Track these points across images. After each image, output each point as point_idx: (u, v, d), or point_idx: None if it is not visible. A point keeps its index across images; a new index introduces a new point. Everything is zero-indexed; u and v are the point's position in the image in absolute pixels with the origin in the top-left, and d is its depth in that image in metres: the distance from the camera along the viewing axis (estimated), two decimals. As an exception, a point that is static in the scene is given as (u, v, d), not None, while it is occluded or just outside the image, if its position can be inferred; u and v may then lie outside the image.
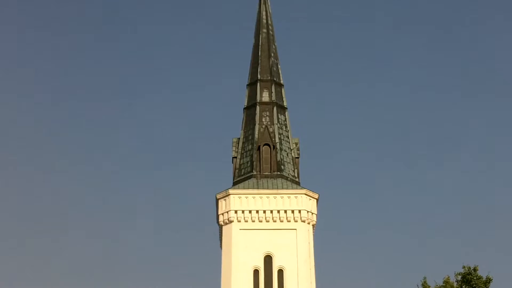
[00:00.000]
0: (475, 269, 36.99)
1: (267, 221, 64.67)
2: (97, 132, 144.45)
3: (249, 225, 64.54)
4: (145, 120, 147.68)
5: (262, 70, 68.62)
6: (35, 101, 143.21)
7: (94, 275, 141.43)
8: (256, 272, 63.53)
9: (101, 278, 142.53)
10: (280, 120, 67.44)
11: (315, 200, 65.15)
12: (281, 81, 69.38)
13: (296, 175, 66.68)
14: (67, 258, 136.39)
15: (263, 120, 67.04)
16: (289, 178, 65.70)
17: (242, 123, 68.18)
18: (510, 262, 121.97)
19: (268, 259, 63.84)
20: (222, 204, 64.93)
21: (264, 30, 70.30)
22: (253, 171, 65.65)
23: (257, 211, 64.57)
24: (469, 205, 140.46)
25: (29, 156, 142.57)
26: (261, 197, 64.46)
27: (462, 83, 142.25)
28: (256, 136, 66.43)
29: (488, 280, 36.62)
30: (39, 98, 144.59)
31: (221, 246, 66.11)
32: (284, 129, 67.58)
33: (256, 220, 64.41)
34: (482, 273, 36.79)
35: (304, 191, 64.45)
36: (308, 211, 64.67)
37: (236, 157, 67.35)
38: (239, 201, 64.47)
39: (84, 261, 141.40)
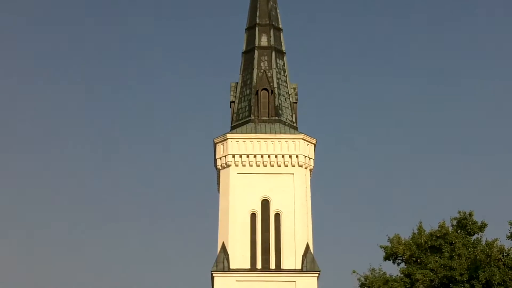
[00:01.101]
0: (470, 214, 37.41)
1: (265, 166, 65.06)
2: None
3: (247, 169, 64.91)
4: (145, 69, 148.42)
5: (261, 14, 68.08)
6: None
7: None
8: (253, 215, 64.07)
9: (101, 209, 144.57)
10: (278, 64, 67.23)
11: (313, 145, 65.38)
12: (280, 26, 68.90)
13: (294, 120, 66.80)
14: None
15: (262, 64, 66.84)
16: (287, 123, 65.83)
17: (241, 67, 67.97)
18: (505, 208, 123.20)
19: (265, 203, 64.35)
20: (220, 148, 65.16)
21: (263, -26, 69.65)
22: (251, 115, 65.74)
23: (255, 156, 64.86)
24: (466, 154, 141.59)
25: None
26: (258, 142, 64.69)
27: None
28: (254, 80, 66.31)
29: (483, 225, 37.07)
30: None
31: (218, 190, 66.61)
32: (283, 74, 67.41)
33: (254, 164, 64.76)
34: (478, 218, 37.25)
35: (301, 136, 64.64)
36: (305, 156, 64.98)
37: (234, 102, 67.32)
38: (237, 146, 64.70)
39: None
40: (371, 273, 37.15)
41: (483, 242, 36.04)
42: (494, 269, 32.93)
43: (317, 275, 62.62)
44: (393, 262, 37.92)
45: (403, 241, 37.25)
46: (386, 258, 37.89)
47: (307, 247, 63.40)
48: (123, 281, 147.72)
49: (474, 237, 37.06)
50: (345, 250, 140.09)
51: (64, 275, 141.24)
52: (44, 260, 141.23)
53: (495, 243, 35.24)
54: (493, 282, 32.81)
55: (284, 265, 63.29)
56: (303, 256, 62.93)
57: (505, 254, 34.58)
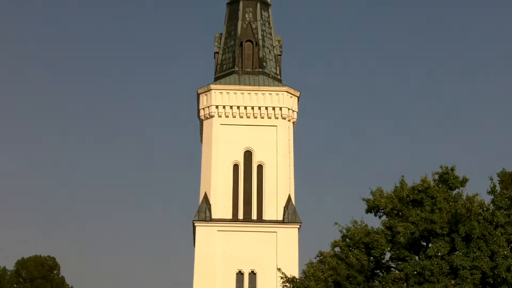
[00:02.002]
0: (452, 169, 37.73)
1: (248, 117, 65.31)
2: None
3: (230, 120, 65.14)
4: (128, 18, 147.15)
5: (247, -35, 67.57)
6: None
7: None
8: (235, 166, 64.54)
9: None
10: (263, 16, 66.98)
11: (296, 97, 65.59)
12: (265, -23, 68.39)
13: (278, 72, 66.86)
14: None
15: (246, 16, 66.56)
16: (270, 75, 65.91)
17: (225, 18, 67.65)
18: (486, 163, 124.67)
19: (248, 154, 64.78)
20: (203, 99, 65.21)
21: None
22: (235, 67, 65.69)
23: (238, 107, 65.07)
24: (449, 110, 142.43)
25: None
26: (242, 93, 64.79)
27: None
28: (239, 32, 66.09)
29: (465, 180, 37.46)
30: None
31: (201, 141, 66.87)
32: (267, 26, 67.20)
33: (237, 115, 64.98)
34: (459, 173, 37.64)
35: (285, 88, 64.78)
36: (289, 109, 65.25)
37: (218, 53, 67.17)
38: (221, 97, 64.78)
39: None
40: (353, 225, 37.48)
41: (464, 197, 36.50)
42: (474, 223, 33.42)
43: (298, 226, 63.38)
44: (375, 215, 38.29)
45: (385, 195, 37.60)
46: (368, 210, 38.21)
47: (289, 198, 64.04)
48: (105, 230, 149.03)
49: (455, 192, 37.43)
50: (328, 203, 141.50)
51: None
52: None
53: (476, 198, 35.69)
54: (472, 236, 33.34)
55: (265, 216, 63.96)
56: (284, 207, 63.58)
57: (485, 208, 35.03)
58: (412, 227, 35.24)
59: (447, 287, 31.30)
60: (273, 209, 63.56)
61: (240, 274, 62.40)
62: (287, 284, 37.06)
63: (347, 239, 37.59)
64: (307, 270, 35.72)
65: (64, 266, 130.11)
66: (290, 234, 63.03)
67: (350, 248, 36.18)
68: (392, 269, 36.32)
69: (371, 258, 36.20)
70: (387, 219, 37.36)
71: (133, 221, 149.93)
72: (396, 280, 32.67)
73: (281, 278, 37.75)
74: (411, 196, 37.15)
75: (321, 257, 43.37)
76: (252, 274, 62.48)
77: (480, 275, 32.45)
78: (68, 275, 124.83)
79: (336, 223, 38.42)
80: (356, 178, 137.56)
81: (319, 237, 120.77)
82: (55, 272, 77.38)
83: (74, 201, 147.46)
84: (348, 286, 34.11)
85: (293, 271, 59.35)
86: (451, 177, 37.86)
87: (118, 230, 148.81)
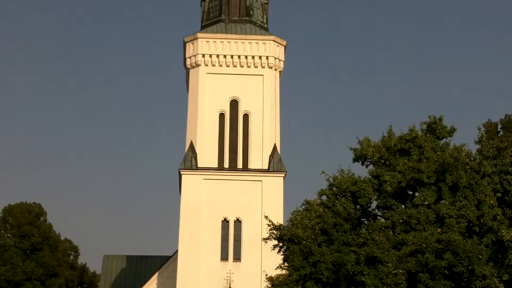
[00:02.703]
0: (440, 119, 37.77)
1: (234, 66, 64.92)
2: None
3: (216, 69, 64.74)
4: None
5: None
6: None
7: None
8: (221, 115, 64.39)
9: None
10: (250, -36, 66.21)
11: (283, 47, 65.17)
12: None
13: (264, 21, 66.34)
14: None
15: (233, -37, 65.75)
16: (257, 24, 65.38)
17: (212, -35, 66.79)
18: (474, 114, 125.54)
19: (234, 104, 64.59)
20: (189, 47, 64.67)
21: None
22: (222, 15, 65.06)
23: (225, 56, 64.60)
24: (437, 60, 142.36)
25: None
26: (229, 42, 64.30)
27: None
28: (226, -21, 65.39)
29: (452, 130, 37.53)
30: None
31: (187, 90, 66.56)
32: (254, -27, 66.46)
33: (224, 64, 64.56)
34: (447, 123, 37.68)
35: (272, 37, 64.31)
36: (275, 58, 64.87)
37: (204, 1, 66.48)
38: (207, 45, 64.26)
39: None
40: (340, 174, 37.54)
41: (451, 147, 36.63)
42: (461, 172, 33.56)
43: (283, 175, 63.60)
44: (362, 164, 38.34)
45: (372, 144, 37.65)
46: (355, 160, 38.25)
47: (275, 148, 64.12)
48: (92, 177, 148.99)
49: (442, 142, 37.51)
50: (314, 152, 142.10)
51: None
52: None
53: (463, 147, 35.86)
54: (459, 185, 33.56)
55: (251, 165, 64.10)
56: (270, 156, 63.71)
57: (472, 158, 35.20)
58: (399, 176, 35.36)
59: (433, 235, 31.49)
60: (259, 158, 63.67)
61: (225, 221, 62.75)
62: (274, 231, 37.22)
63: (334, 188, 37.66)
64: (294, 218, 35.84)
65: (51, 213, 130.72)
66: (275, 183, 63.27)
67: (337, 197, 36.29)
68: (378, 217, 36.56)
69: (358, 206, 36.37)
70: (374, 168, 37.41)
71: (119, 169, 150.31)
72: (383, 228, 32.87)
73: (268, 225, 37.89)
74: (399, 146, 37.19)
75: (307, 205, 43.58)
76: (238, 222, 62.84)
77: (466, 224, 32.72)
78: (55, 222, 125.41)
79: (323, 172, 38.44)
80: (343, 127, 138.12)
81: (305, 186, 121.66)
82: (41, 218, 77.37)
83: (60, 148, 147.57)
84: (335, 234, 34.29)
85: (278, 220, 59.39)
86: (439, 127, 37.89)
87: (105, 178, 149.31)
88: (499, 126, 61.89)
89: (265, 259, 60.83)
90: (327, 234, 34.55)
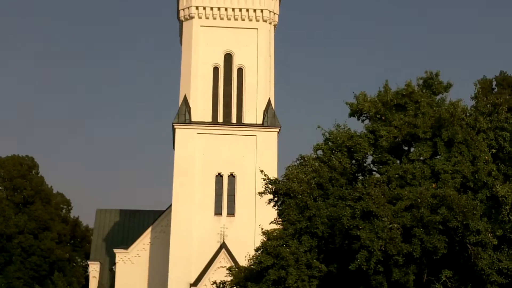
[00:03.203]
0: (436, 74, 37.55)
1: (228, 19, 64.26)
2: None
3: (210, 22, 64.08)
4: None
5: None
6: None
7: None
8: (215, 69, 63.91)
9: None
10: None
11: (278, 0, 64.64)
12: None
13: (259, -27, 65.55)
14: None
15: None
16: (252, -24, 64.68)
17: None
18: (469, 69, 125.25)
19: (228, 57, 64.06)
20: (183, -1, 64.10)
21: None
22: (216, -33, 64.36)
23: (219, 8, 63.93)
24: (435, 16, 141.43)
25: None
26: (223, -6, 63.72)
27: None
28: None
29: (449, 86, 37.34)
30: None
31: (181, 43, 65.99)
32: None
33: (218, 17, 63.90)
34: (443, 78, 37.45)
35: (267, -11, 63.67)
36: (270, 11, 64.22)
37: (198, -44, 65.58)
38: (201, -2, 63.68)
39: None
40: (336, 129, 37.41)
41: (447, 102, 36.47)
42: (457, 128, 33.44)
43: (277, 130, 63.45)
44: (358, 119, 38.13)
45: (369, 99, 37.46)
46: (351, 114, 38.03)
47: (269, 102, 63.82)
48: (85, 129, 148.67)
49: (438, 97, 37.33)
50: (309, 107, 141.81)
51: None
52: None
53: (459, 103, 35.72)
54: (455, 141, 33.48)
55: (245, 120, 63.88)
56: (264, 111, 63.46)
57: (467, 114, 35.12)
58: (395, 131, 35.22)
59: (428, 190, 31.47)
60: (253, 112, 63.43)
61: (219, 176, 62.74)
62: (269, 185, 37.14)
63: (330, 143, 37.48)
64: (290, 172, 35.72)
65: (43, 166, 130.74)
66: (269, 138, 63.14)
67: (333, 152, 36.13)
68: (373, 172, 36.52)
69: (353, 161, 36.26)
70: (370, 123, 37.22)
71: (112, 123, 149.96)
72: (379, 183, 32.82)
73: (263, 180, 37.79)
74: (395, 101, 36.98)
75: (302, 160, 43.48)
76: (231, 176, 62.84)
77: (461, 179, 32.69)
78: (47, 176, 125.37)
79: (318, 127, 38.21)
80: (339, 82, 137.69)
81: (299, 141, 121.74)
82: (34, 172, 77.09)
83: (53, 101, 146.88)
84: (331, 189, 34.26)
85: (273, 175, 59.40)
86: (435, 82, 37.69)
87: (98, 133, 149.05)
88: (494, 83, 61.75)
89: (259, 214, 60.95)
90: (322, 188, 34.50)
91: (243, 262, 52.54)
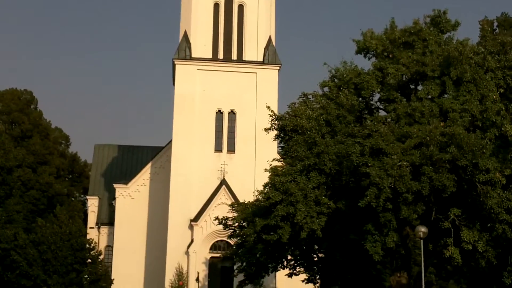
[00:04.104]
0: (444, 12, 37.22)
1: (227, -41, 63.61)
2: None
3: (211, -43, 63.42)
4: None
5: None
6: None
7: None
8: (216, 5, 63.10)
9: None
10: None
11: None
12: None
13: None
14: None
15: None
16: None
17: None
18: (470, 10, 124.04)
19: (229, -7, 63.54)
20: None
21: None
22: None
23: (217, -49, 63.21)
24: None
25: None
26: None
27: None
28: None
29: (456, 24, 37.05)
30: None
31: (182, -22, 65.17)
32: None
33: (218, -47, 63.20)
34: (451, 17, 37.12)
35: None
36: None
37: None
38: None
39: None
40: (343, 66, 37.24)
41: (455, 41, 36.25)
42: (466, 66, 33.26)
43: (278, 68, 63.06)
44: (365, 57, 37.90)
45: (376, 36, 37.22)
46: (358, 52, 37.75)
47: (270, 40, 63.29)
48: (85, 65, 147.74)
49: (446, 36, 37.14)
50: (310, 45, 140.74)
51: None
52: None
53: (468, 42, 35.50)
54: (463, 79, 33.39)
55: (245, 57, 63.44)
56: (265, 48, 62.98)
57: (476, 53, 34.92)
58: (403, 69, 35.09)
59: (437, 128, 31.48)
60: (254, 49, 62.95)
61: (219, 113, 62.62)
62: (276, 122, 37.12)
63: (336, 80, 37.38)
64: (297, 109, 35.65)
65: (42, 100, 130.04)
66: (270, 76, 62.81)
67: (341, 88, 36.01)
68: (380, 111, 36.52)
69: (360, 99, 36.19)
70: (377, 60, 37.03)
71: (112, 58, 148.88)
72: (388, 120, 32.82)
73: (270, 116, 37.78)
74: (402, 39, 36.77)
75: (305, 98, 43.40)
76: (232, 113, 62.73)
77: (470, 118, 32.69)
78: (46, 110, 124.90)
79: (325, 64, 38.09)
80: (344, 20, 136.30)
81: (299, 80, 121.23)
82: (32, 106, 76.62)
83: (53, 35, 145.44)
84: (338, 126, 34.27)
85: (273, 112, 59.59)
86: (443, 20, 37.38)
87: (97, 68, 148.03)
88: (495, 24, 61.38)
89: (259, 151, 61.09)
90: (330, 125, 34.49)
91: (243, 198, 52.81)
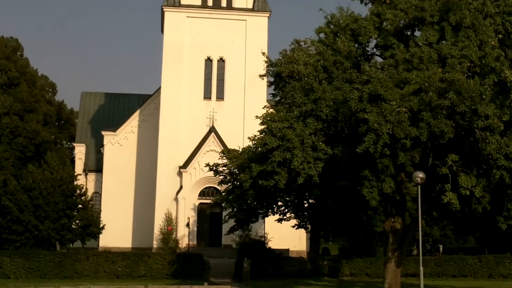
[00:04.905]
0: (442, -43, 36.64)
1: None
2: None
3: None
4: None
5: None
6: None
7: None
8: (206, -50, 62.47)
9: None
10: None
11: None
12: None
13: None
14: None
15: None
16: None
17: None
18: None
19: None
20: None
21: None
22: None
23: None
24: None
25: None
26: None
27: None
28: None
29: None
30: None
31: None
32: None
33: None
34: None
35: None
36: None
37: None
38: None
39: None
40: (339, 12, 36.70)
41: (453, -15, 35.76)
42: (465, 12, 32.80)
43: (268, 15, 62.49)
44: (361, 2, 37.46)
45: (372, -20, 36.62)
46: (355, -3, 37.33)
47: (259, -14, 62.67)
48: (72, 13, 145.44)
49: (445, -20, 36.67)
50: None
51: None
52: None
53: (466, -14, 35.07)
54: (462, 25, 32.99)
55: (235, 4, 62.78)
56: (254, -5, 62.40)
57: (475, -2, 34.52)
58: (402, 14, 34.57)
59: (436, 74, 31.19)
60: (243, -4, 62.42)
61: (209, 60, 62.19)
62: (271, 68, 36.70)
63: (332, 26, 36.85)
64: (296, 54, 35.17)
65: (28, 48, 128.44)
66: (259, 23, 62.26)
67: (337, 34, 35.52)
68: (376, 57, 36.15)
69: (356, 45, 35.76)
70: (373, 6, 36.48)
71: (100, 5, 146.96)
72: (386, 66, 32.47)
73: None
74: (401, -17, 36.11)
75: (297, 45, 42.89)
76: (221, 61, 62.31)
77: (468, 64, 32.37)
78: (32, 58, 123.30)
79: (320, 9, 37.40)
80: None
81: (290, 28, 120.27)
82: (18, 53, 75.51)
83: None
84: (335, 72, 33.88)
85: (262, 61, 59.05)
86: None
87: (85, 14, 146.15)
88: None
89: (248, 99, 60.88)
90: (327, 72, 34.11)
91: (231, 145, 52.76)
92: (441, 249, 70.26)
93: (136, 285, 32.83)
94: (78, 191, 46.19)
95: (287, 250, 57.10)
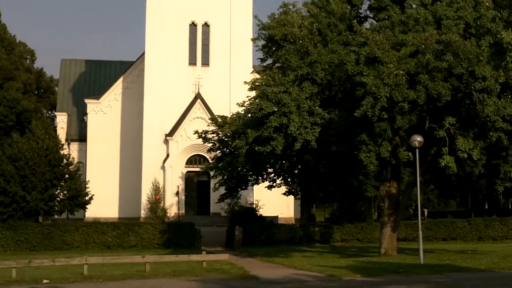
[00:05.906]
0: None
1: None
2: None
3: None
4: None
5: None
6: None
7: None
8: None
9: None
10: None
11: None
12: None
13: None
14: None
15: None
16: None
17: None
18: None
19: None
20: None
21: None
22: None
23: None
24: None
25: None
26: None
27: None
28: None
29: None
30: None
31: None
32: None
33: None
34: None
35: None
36: None
37: None
38: None
39: None
40: (331, -26, 36.12)
41: None
42: (460, -28, 32.53)
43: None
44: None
45: None
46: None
47: None
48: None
49: None
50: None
51: None
52: None
53: None
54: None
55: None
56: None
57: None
58: (396, -26, 34.01)
59: (432, 36, 30.73)
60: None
61: (193, 25, 61.23)
62: (263, 31, 36.07)
63: (324, -12, 36.16)
64: (290, 16, 34.57)
65: (6, 13, 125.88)
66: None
67: (330, -4, 34.85)
68: (369, 19, 35.61)
69: (350, 7, 35.17)
70: (366, -33, 35.82)
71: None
72: (382, 28, 31.92)
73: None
74: None
75: (285, 8, 42.27)
76: (206, 26, 61.38)
77: (464, 26, 31.94)
78: (9, 23, 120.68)
79: (311, -29, 36.77)
80: None
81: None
82: (-5, 19, 73.94)
83: None
84: (330, 34, 33.33)
85: (247, 26, 58.44)
86: None
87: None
88: None
89: (234, 64, 60.10)
90: (321, 34, 33.55)
91: (218, 112, 52.14)
92: (426, 213, 70.40)
93: (132, 256, 32.24)
94: (65, 161, 45.36)
95: (276, 217, 56.82)
